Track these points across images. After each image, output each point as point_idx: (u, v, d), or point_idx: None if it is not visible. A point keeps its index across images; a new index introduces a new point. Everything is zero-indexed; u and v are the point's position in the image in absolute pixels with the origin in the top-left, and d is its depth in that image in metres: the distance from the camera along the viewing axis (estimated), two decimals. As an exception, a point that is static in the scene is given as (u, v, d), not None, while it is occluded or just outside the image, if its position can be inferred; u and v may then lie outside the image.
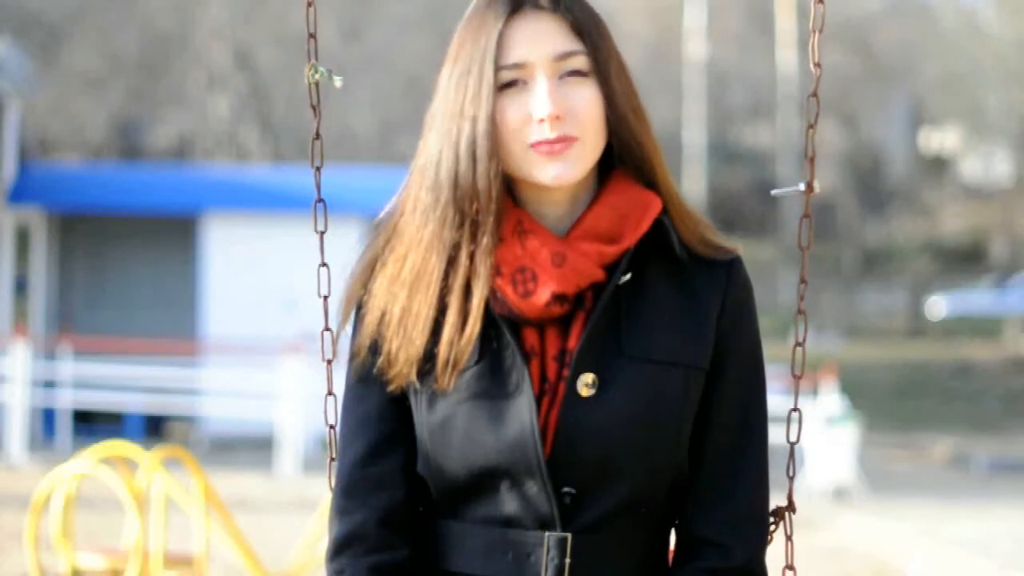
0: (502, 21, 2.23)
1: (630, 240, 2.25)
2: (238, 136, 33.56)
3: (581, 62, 2.23)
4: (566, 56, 2.23)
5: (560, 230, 2.27)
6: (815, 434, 15.77)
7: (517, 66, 2.22)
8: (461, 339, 2.21)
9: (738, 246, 2.33)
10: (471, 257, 2.22)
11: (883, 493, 16.04)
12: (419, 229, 2.25)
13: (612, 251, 2.24)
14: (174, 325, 20.38)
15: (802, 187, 2.44)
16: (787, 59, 38.47)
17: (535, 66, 2.22)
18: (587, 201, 2.28)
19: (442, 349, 2.21)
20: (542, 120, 2.21)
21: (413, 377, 2.23)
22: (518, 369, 2.21)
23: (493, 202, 2.21)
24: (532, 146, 2.22)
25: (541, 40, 2.23)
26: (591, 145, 2.24)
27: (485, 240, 2.21)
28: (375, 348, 2.26)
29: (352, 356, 2.29)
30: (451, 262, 2.23)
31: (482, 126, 2.21)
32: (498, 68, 2.22)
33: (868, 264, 38.96)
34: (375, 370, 2.27)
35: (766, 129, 41.94)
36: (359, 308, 2.29)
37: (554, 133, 2.21)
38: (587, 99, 2.23)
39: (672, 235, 2.26)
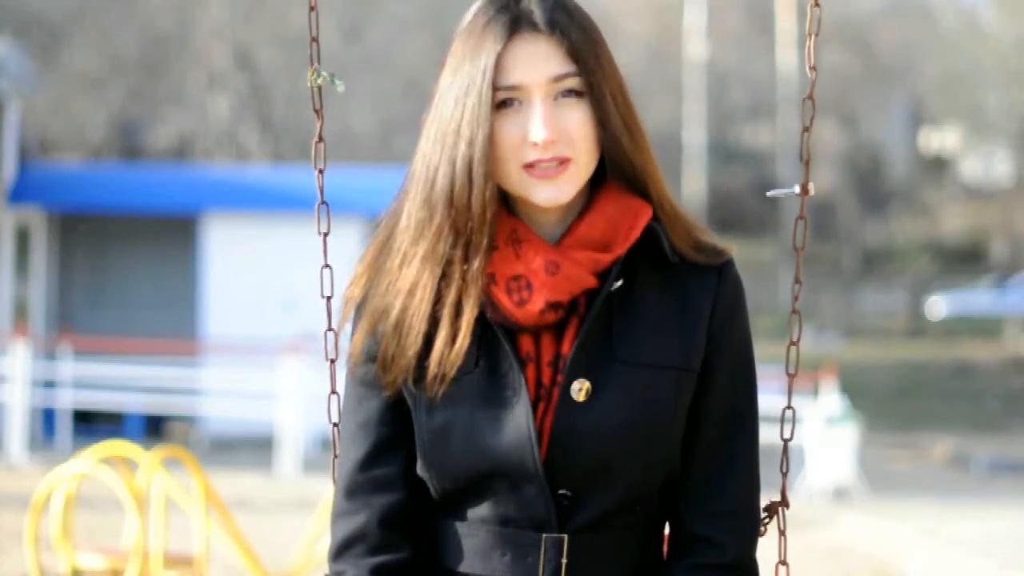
0: (501, 44, 2.26)
1: (621, 248, 2.28)
2: (238, 136, 33.57)
3: (575, 83, 2.27)
4: (561, 78, 2.26)
5: (553, 237, 2.31)
6: (815, 434, 15.78)
7: (514, 88, 2.26)
8: (451, 354, 2.25)
9: (731, 248, 2.36)
10: (463, 276, 2.25)
11: (883, 493, 16.05)
12: (413, 243, 2.28)
13: (605, 259, 2.28)
14: (174, 325, 20.39)
15: (797, 189, 2.47)
16: (787, 59, 38.48)
17: (531, 89, 2.26)
18: (580, 209, 2.32)
19: (432, 365, 2.25)
20: (536, 144, 2.24)
21: (409, 384, 2.27)
22: (514, 375, 2.25)
23: (487, 225, 2.24)
24: (526, 168, 2.26)
25: (538, 62, 2.26)
26: (583, 164, 2.28)
27: (476, 262, 2.25)
28: (372, 352, 2.30)
29: (352, 359, 2.32)
30: (444, 276, 2.27)
31: (479, 149, 2.24)
32: (495, 89, 2.25)
33: (868, 264, 38.98)
34: (373, 374, 2.30)
35: (766, 129, 41.96)
36: (358, 310, 2.33)
37: (548, 155, 2.24)
38: (580, 120, 2.26)
39: (663, 240, 2.30)
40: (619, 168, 2.30)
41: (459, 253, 2.25)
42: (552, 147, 2.24)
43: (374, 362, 2.29)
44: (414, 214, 2.28)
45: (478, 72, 2.25)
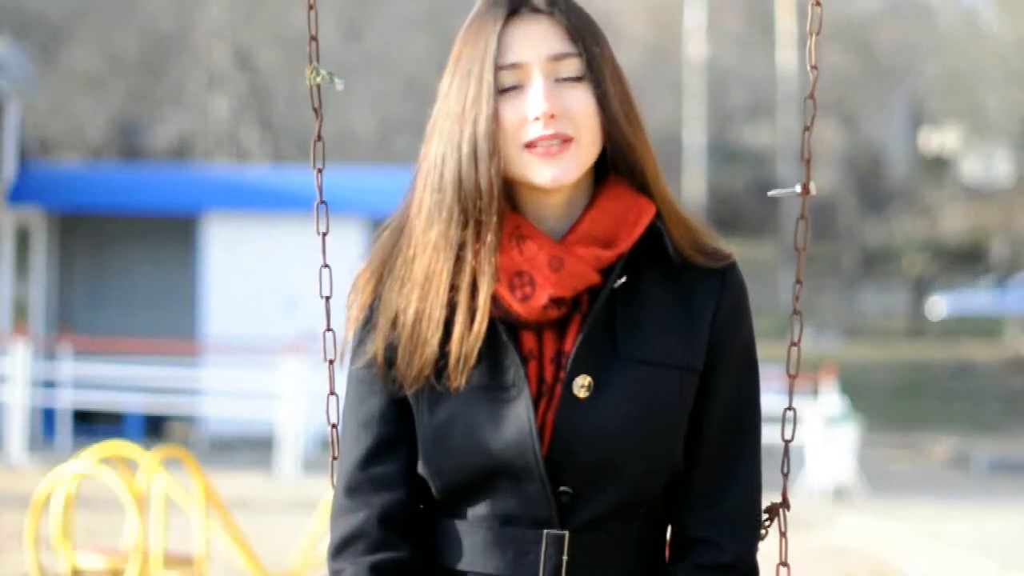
0: (500, 24, 2.27)
1: (625, 244, 2.28)
2: (238, 136, 33.58)
3: (576, 65, 2.27)
4: (561, 57, 2.26)
5: (556, 234, 2.30)
6: (815, 434, 15.78)
7: (514, 66, 2.26)
8: (470, 336, 2.24)
9: (733, 251, 2.36)
10: (476, 255, 2.25)
11: (883, 493, 16.05)
12: (425, 231, 2.28)
13: (608, 255, 2.28)
14: (174, 325, 20.39)
15: (798, 189, 2.46)
16: (787, 59, 38.47)
17: (531, 67, 2.26)
18: (583, 206, 2.31)
19: (453, 347, 2.24)
20: (537, 119, 2.24)
21: (431, 376, 2.26)
22: (516, 371, 2.25)
23: (495, 200, 2.24)
24: (526, 146, 2.25)
25: (537, 41, 2.27)
26: (586, 146, 2.27)
27: (489, 238, 2.24)
28: (389, 353, 2.28)
29: (366, 361, 2.31)
30: (457, 261, 2.26)
31: (483, 126, 2.24)
32: (497, 69, 2.25)
33: (868, 264, 38.98)
34: (390, 374, 2.29)
35: (766, 129, 41.94)
36: (370, 313, 2.32)
37: (549, 130, 2.24)
38: (582, 101, 2.26)
39: (666, 239, 2.30)
40: (620, 154, 2.29)
41: (471, 234, 2.25)
42: (553, 123, 2.23)
43: (391, 361, 2.28)
44: (425, 203, 2.29)
45: (479, 54, 2.26)
